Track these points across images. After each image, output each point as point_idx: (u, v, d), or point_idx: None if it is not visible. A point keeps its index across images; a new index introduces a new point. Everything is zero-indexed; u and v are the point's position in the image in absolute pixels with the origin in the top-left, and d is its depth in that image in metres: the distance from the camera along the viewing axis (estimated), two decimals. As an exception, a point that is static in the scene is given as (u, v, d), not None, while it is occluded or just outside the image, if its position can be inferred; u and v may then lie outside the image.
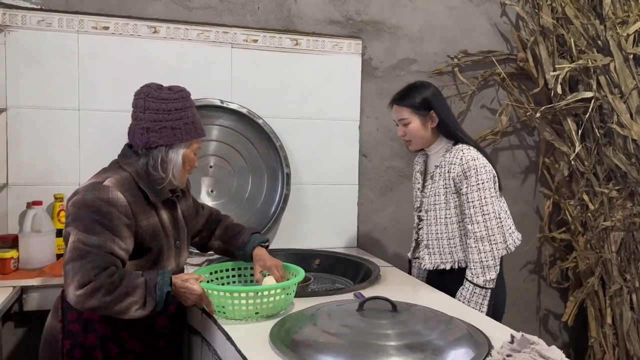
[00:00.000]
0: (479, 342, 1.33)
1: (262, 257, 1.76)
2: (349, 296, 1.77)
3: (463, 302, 1.86)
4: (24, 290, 1.90)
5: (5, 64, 2.18)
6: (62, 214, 2.22)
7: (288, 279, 1.70)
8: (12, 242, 2.12)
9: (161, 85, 1.59)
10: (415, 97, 1.97)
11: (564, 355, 1.24)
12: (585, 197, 2.77)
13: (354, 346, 1.26)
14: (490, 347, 1.31)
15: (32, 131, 2.22)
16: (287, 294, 1.58)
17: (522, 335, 1.23)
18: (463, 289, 1.90)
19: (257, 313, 1.52)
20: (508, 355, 1.20)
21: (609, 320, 2.73)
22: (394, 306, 1.41)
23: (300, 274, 1.67)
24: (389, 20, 2.71)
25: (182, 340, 1.79)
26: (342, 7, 2.63)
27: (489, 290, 1.89)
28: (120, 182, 1.50)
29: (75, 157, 2.28)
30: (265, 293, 1.51)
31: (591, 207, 2.74)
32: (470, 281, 1.88)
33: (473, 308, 1.85)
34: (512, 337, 1.25)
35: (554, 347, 1.25)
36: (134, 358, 1.58)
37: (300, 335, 1.34)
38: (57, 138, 2.25)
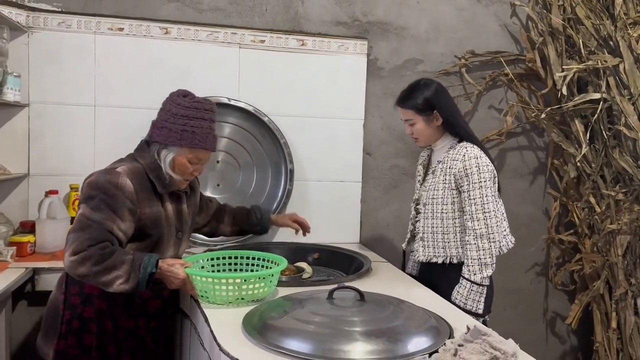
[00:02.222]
0: (441, 332, 1.38)
1: (281, 218, 2.22)
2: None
3: (460, 301, 1.89)
4: (36, 271, 2.07)
5: (28, 63, 2.35)
6: (77, 202, 2.38)
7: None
8: (31, 227, 2.29)
9: (187, 93, 1.70)
10: (417, 97, 2.01)
11: (518, 348, 1.28)
12: (592, 200, 2.74)
13: (318, 331, 1.33)
14: (451, 337, 1.36)
15: (51, 125, 2.39)
16: (270, 282, 1.67)
17: (475, 326, 1.27)
18: (460, 286, 1.92)
19: (242, 299, 1.61)
20: (460, 345, 1.24)
21: (613, 324, 2.69)
22: (362, 296, 1.47)
23: (283, 263, 1.75)
24: (395, 21, 2.76)
25: (175, 323, 1.91)
26: (348, 8, 2.69)
27: (485, 288, 1.92)
28: (131, 171, 1.65)
29: (90, 150, 2.43)
30: (245, 280, 1.60)
31: (598, 209, 2.71)
32: (467, 279, 1.90)
33: (470, 306, 1.89)
34: (468, 327, 1.30)
35: (510, 340, 1.30)
36: (126, 334, 1.71)
37: (270, 320, 1.42)
38: (74, 132, 2.41)
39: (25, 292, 2.10)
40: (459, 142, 2.02)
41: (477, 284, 1.89)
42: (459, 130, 2.03)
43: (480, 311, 1.91)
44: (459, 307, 1.85)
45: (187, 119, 1.64)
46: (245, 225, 2.12)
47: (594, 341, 2.85)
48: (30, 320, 2.32)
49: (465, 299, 1.90)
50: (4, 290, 1.81)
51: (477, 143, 2.01)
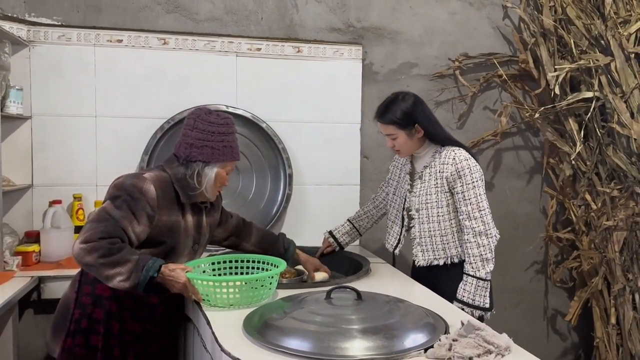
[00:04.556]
0: (437, 329, 1.41)
1: (307, 259, 2.14)
2: (334, 289, 1.87)
3: (468, 298, 1.92)
4: (41, 280, 2.11)
5: (30, 76, 2.40)
6: (81, 212, 2.42)
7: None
8: (36, 237, 2.33)
9: (211, 110, 1.81)
10: (397, 112, 2.02)
11: (511, 342, 1.32)
12: (588, 197, 2.77)
13: (317, 330, 1.36)
14: (447, 333, 1.39)
15: (54, 137, 2.44)
16: (270, 283, 1.71)
17: (469, 321, 1.31)
18: (465, 284, 1.95)
19: (242, 301, 1.64)
20: (454, 340, 1.28)
21: (612, 320, 2.72)
22: (359, 295, 1.51)
23: (282, 265, 1.79)
24: (389, 26, 2.80)
25: (179, 329, 1.94)
26: (342, 15, 2.74)
27: (489, 282, 1.96)
28: (157, 179, 1.72)
29: (92, 160, 2.48)
30: (245, 283, 1.63)
31: (594, 206, 2.74)
32: (472, 275, 1.93)
33: (479, 302, 1.92)
34: (462, 323, 1.33)
35: (503, 335, 1.33)
36: (131, 337, 1.75)
37: (270, 320, 1.45)
38: (76, 143, 2.46)
39: (32, 301, 2.14)
40: (442, 146, 2.06)
41: (482, 279, 1.93)
42: (439, 138, 2.07)
43: (488, 305, 1.94)
44: (467, 304, 1.90)
45: (224, 136, 1.76)
46: (270, 251, 2.11)
47: (594, 337, 2.88)
48: (36, 328, 2.36)
49: (473, 295, 1.93)
50: (11, 299, 1.85)
51: (460, 146, 2.06)
